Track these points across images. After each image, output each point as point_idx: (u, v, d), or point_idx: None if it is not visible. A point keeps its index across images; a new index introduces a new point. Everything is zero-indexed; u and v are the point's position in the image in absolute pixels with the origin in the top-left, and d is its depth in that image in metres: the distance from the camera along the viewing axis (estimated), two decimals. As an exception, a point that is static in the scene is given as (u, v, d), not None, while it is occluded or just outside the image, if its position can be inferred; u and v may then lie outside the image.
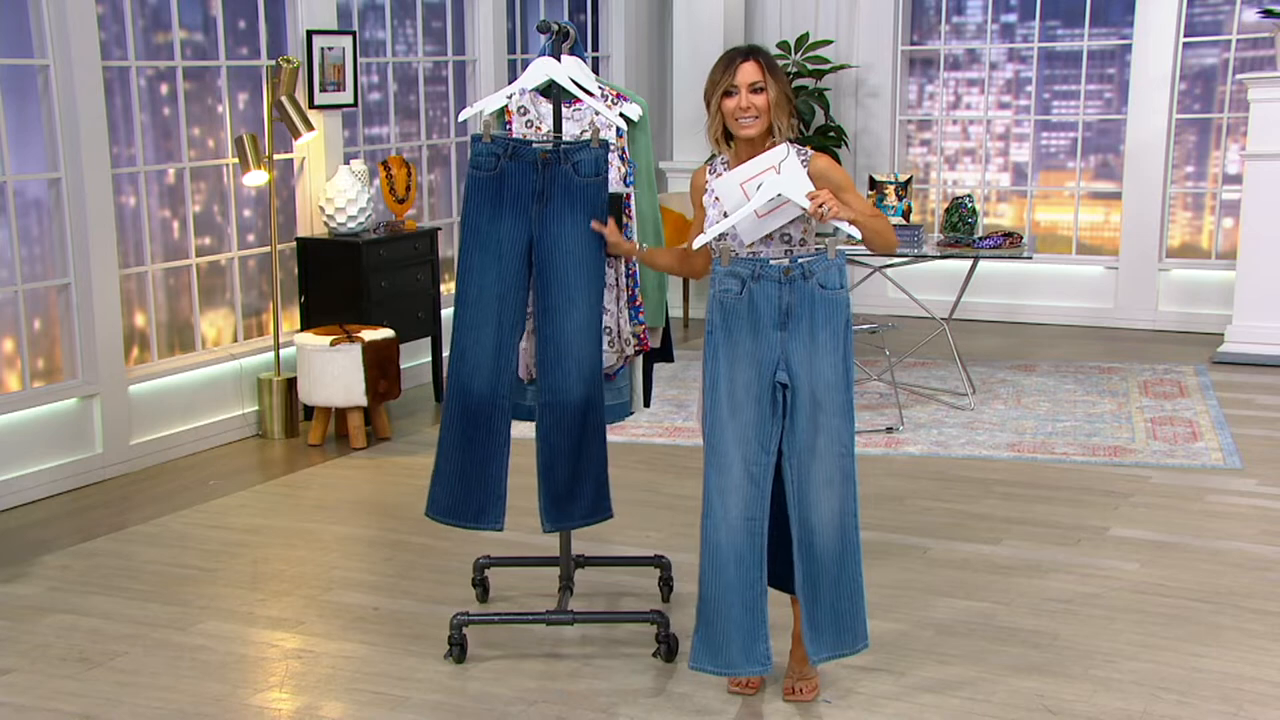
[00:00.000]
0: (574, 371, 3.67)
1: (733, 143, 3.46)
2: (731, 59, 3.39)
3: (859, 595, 3.46)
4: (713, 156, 3.53)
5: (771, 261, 3.35)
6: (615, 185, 3.77)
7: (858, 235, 3.41)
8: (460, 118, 3.85)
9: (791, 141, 3.44)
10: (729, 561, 3.38)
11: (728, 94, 3.38)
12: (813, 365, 3.35)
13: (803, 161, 3.43)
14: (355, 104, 6.65)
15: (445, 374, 3.78)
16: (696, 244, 3.48)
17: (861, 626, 3.49)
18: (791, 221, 3.40)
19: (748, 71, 3.36)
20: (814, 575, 3.41)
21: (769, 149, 3.41)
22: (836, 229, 3.43)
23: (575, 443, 3.72)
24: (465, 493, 3.76)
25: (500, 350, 3.69)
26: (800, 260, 3.35)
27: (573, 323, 3.65)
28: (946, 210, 6.78)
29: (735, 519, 3.37)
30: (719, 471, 3.38)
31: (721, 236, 3.43)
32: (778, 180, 3.32)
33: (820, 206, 3.28)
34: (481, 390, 3.70)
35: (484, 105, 3.81)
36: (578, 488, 3.75)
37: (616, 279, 3.82)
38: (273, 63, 6.13)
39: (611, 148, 3.73)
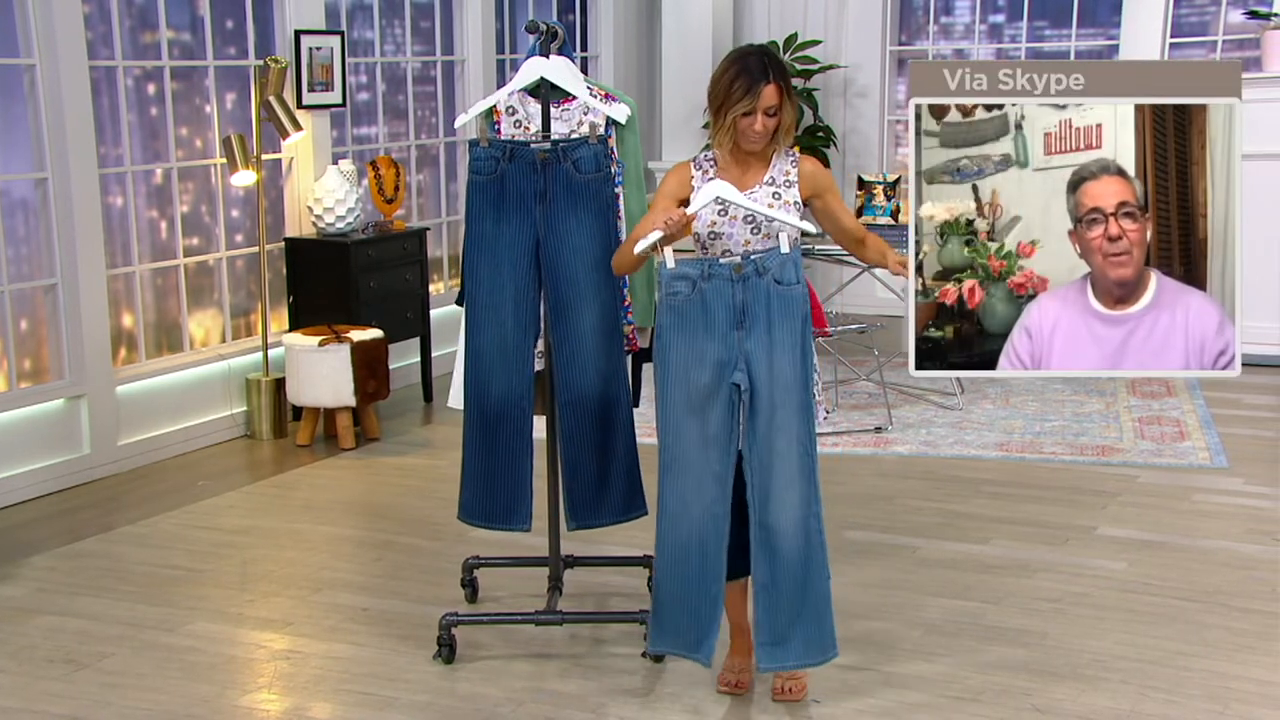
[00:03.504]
0: (590, 368, 3.68)
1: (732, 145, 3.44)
2: (754, 81, 3.30)
3: (825, 601, 3.40)
4: (706, 148, 3.52)
5: (721, 260, 3.34)
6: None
7: (812, 229, 3.41)
8: (456, 124, 3.85)
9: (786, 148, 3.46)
10: (691, 557, 3.37)
11: (746, 113, 3.34)
12: (771, 364, 3.32)
13: (791, 162, 3.44)
14: (344, 104, 6.64)
15: (464, 378, 3.77)
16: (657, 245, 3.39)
17: (830, 635, 3.42)
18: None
19: (769, 96, 3.32)
20: (776, 578, 3.36)
21: (765, 154, 3.43)
22: (804, 234, 3.43)
23: (599, 441, 3.72)
24: (493, 495, 3.77)
25: (515, 351, 3.69)
26: (753, 256, 3.33)
27: (586, 320, 3.66)
28: (935, 210, 6.79)
29: (698, 516, 3.35)
30: (677, 473, 3.36)
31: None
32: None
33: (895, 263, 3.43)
34: (499, 392, 3.70)
35: (479, 109, 3.82)
36: (606, 486, 3.76)
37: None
38: (261, 63, 6.11)
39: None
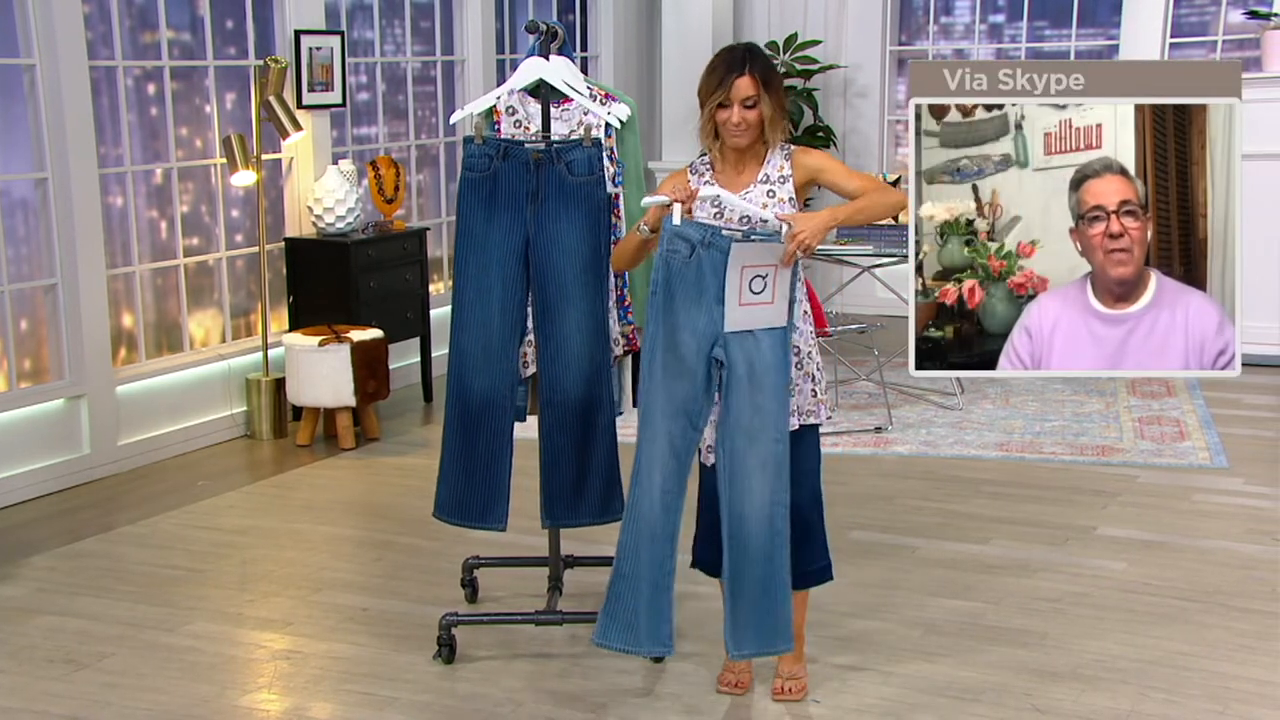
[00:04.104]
0: (574, 370, 3.68)
1: (720, 142, 3.43)
2: (728, 70, 3.32)
3: (785, 590, 3.37)
4: (702, 155, 3.53)
5: (723, 231, 3.30)
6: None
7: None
8: (451, 120, 3.85)
9: (781, 144, 3.44)
10: (643, 539, 3.32)
11: (722, 105, 3.35)
12: (754, 345, 3.28)
13: (784, 156, 3.43)
14: (343, 104, 6.64)
15: (447, 375, 3.77)
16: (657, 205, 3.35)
17: (785, 626, 3.38)
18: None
19: (742, 87, 3.31)
20: (740, 567, 3.34)
21: (759, 152, 3.41)
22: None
23: (579, 441, 3.72)
24: (470, 493, 3.76)
25: (500, 350, 3.69)
26: (754, 236, 3.32)
27: (571, 322, 3.66)
28: (935, 210, 6.79)
29: (656, 492, 3.30)
30: (648, 441, 3.31)
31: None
32: (772, 274, 3.27)
33: (799, 243, 3.22)
34: (481, 390, 3.70)
35: (475, 107, 3.81)
36: (584, 487, 3.76)
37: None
38: (261, 63, 6.11)
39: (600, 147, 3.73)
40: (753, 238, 3.30)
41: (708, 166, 3.46)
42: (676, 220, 3.29)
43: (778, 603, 3.36)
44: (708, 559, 3.53)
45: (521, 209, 3.65)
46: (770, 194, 3.40)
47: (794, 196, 3.42)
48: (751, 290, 3.26)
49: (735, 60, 3.34)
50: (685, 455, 3.32)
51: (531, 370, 3.82)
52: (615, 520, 3.81)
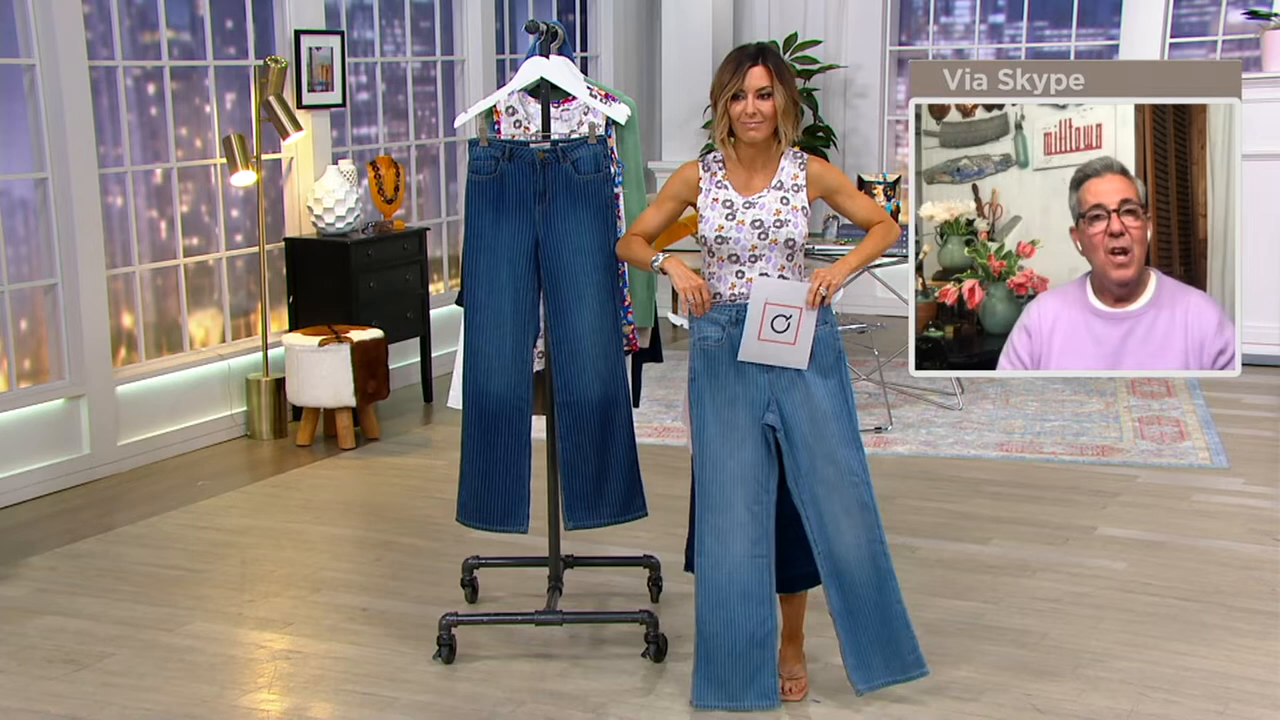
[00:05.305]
0: (589, 369, 3.68)
1: (734, 140, 3.43)
2: (740, 62, 3.35)
3: (903, 620, 3.48)
4: (707, 150, 3.52)
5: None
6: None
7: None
8: (456, 124, 3.86)
9: (795, 151, 3.45)
10: (733, 598, 3.38)
11: (735, 97, 3.35)
12: (808, 401, 3.35)
13: (799, 165, 3.43)
14: (343, 104, 6.64)
15: (463, 379, 3.77)
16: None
17: (913, 652, 3.50)
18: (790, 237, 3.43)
19: (756, 76, 3.32)
20: (851, 605, 3.43)
21: (772, 155, 3.42)
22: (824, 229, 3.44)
23: (597, 441, 3.73)
24: (491, 496, 3.76)
25: (514, 352, 3.69)
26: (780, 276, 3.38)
27: (585, 321, 3.66)
28: (935, 210, 6.79)
29: (739, 557, 3.37)
30: (716, 512, 3.38)
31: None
32: (796, 315, 3.33)
33: (823, 280, 3.31)
34: (498, 393, 3.70)
35: (479, 109, 3.82)
36: (605, 486, 3.76)
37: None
38: (260, 63, 6.11)
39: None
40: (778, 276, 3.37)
41: (720, 165, 3.46)
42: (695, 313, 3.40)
43: (898, 631, 3.47)
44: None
45: (530, 209, 3.66)
46: (784, 200, 3.40)
47: (807, 206, 3.43)
48: (774, 328, 3.34)
49: (748, 53, 3.38)
50: (766, 518, 3.39)
51: (535, 368, 3.81)
52: (636, 519, 3.82)
